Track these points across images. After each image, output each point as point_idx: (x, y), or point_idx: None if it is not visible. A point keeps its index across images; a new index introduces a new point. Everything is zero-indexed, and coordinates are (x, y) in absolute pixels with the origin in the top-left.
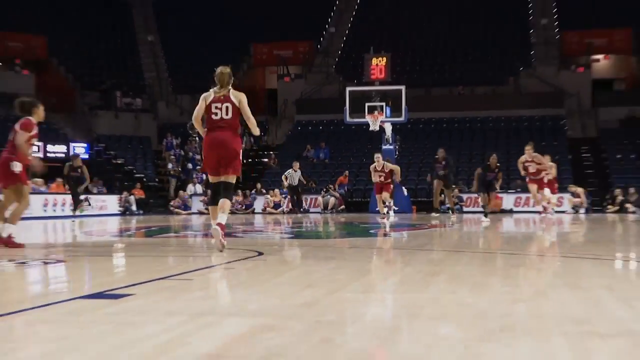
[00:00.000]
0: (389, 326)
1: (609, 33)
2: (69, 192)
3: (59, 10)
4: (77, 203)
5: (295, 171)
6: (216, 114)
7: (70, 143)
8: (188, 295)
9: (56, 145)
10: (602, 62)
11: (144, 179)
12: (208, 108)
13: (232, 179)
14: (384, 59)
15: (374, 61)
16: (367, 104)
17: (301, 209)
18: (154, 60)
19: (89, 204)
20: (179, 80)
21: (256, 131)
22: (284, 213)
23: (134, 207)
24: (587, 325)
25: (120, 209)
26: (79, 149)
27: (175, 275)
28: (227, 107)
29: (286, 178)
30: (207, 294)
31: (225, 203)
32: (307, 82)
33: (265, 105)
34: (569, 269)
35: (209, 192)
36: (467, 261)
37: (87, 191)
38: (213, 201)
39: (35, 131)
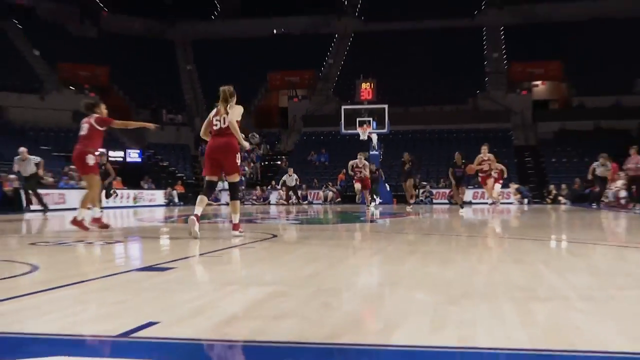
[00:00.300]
0: (375, 292)
1: (545, 64)
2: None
3: (118, 46)
4: (107, 195)
5: (290, 175)
6: (216, 125)
7: (127, 150)
8: (217, 269)
9: (116, 151)
10: (540, 87)
11: (184, 178)
12: (210, 122)
13: (234, 178)
14: (371, 83)
15: (364, 85)
16: (358, 119)
17: (304, 202)
18: (192, 85)
19: (116, 194)
20: (211, 101)
21: (244, 144)
22: (279, 204)
23: (176, 200)
24: (529, 292)
25: (165, 200)
26: (133, 154)
27: (207, 253)
28: (224, 119)
29: (284, 182)
30: (232, 267)
31: (233, 204)
32: (311, 102)
33: (278, 120)
34: (514, 247)
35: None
36: (435, 242)
37: (110, 186)
38: (204, 192)
39: (110, 121)
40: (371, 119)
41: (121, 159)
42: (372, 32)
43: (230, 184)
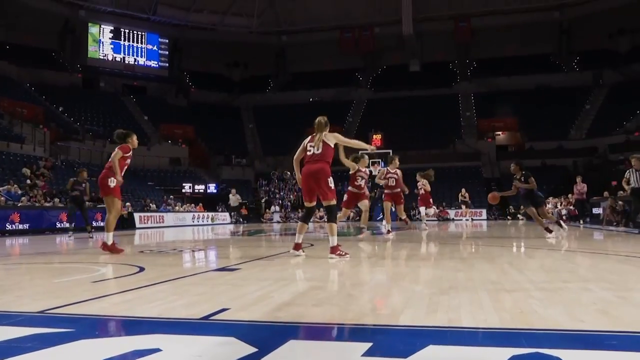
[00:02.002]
0: (385, 286)
1: (504, 120)
2: (70, 210)
3: (201, 111)
4: (87, 220)
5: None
6: (310, 151)
7: (207, 184)
8: (272, 269)
9: (198, 185)
10: (501, 136)
11: (247, 203)
12: (305, 148)
13: (330, 202)
14: (380, 135)
15: (375, 136)
16: (370, 160)
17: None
18: (253, 138)
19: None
20: (266, 149)
21: (365, 146)
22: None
23: (241, 219)
24: (498, 285)
25: (233, 220)
26: (211, 187)
27: (265, 257)
28: (318, 145)
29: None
30: (283, 268)
31: (330, 227)
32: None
33: None
34: (486, 251)
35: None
36: (428, 248)
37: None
38: (302, 219)
39: (129, 154)
40: (380, 159)
41: (203, 190)
42: (380, 99)
43: (326, 207)
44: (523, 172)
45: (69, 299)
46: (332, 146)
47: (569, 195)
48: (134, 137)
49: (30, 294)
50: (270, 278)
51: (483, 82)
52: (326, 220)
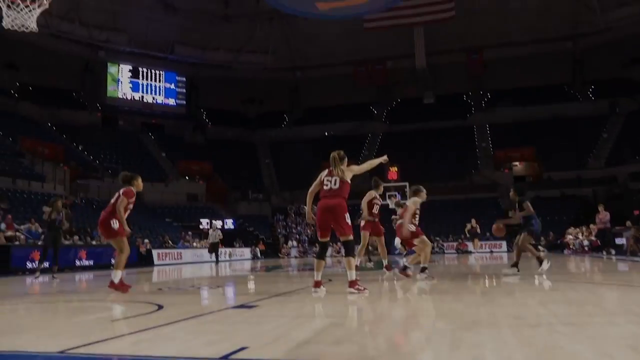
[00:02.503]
0: (406, 322)
1: (521, 150)
2: (45, 245)
3: (218, 148)
4: (55, 259)
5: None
6: (326, 185)
7: (224, 219)
8: (291, 305)
9: (216, 221)
10: (518, 166)
11: (264, 239)
12: (321, 182)
13: (347, 237)
14: (396, 168)
15: (390, 169)
16: (387, 193)
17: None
18: (269, 173)
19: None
20: (282, 183)
21: (379, 160)
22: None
23: (259, 255)
24: (521, 320)
25: (251, 255)
26: (229, 222)
27: (283, 293)
28: (335, 180)
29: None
30: (302, 304)
31: (348, 261)
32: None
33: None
34: (506, 284)
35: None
36: (448, 282)
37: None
38: (319, 255)
39: (133, 199)
40: (396, 192)
41: (220, 226)
42: (395, 132)
43: (344, 242)
44: (518, 199)
45: (89, 338)
46: (349, 182)
47: (591, 226)
48: (139, 180)
49: (50, 333)
50: (289, 315)
51: (498, 112)
52: (344, 254)
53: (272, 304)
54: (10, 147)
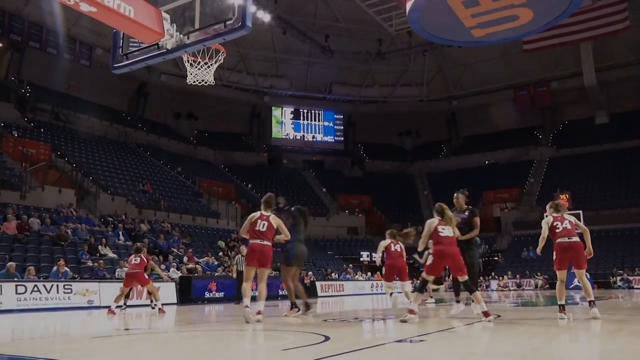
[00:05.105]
0: None
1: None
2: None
3: (376, 181)
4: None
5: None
6: (442, 232)
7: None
8: (458, 342)
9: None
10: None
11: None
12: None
13: (465, 277)
14: (566, 195)
15: (561, 196)
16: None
17: (519, 288)
18: (427, 204)
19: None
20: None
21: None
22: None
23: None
24: None
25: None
26: None
27: (447, 328)
28: (453, 227)
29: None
30: (470, 341)
31: (475, 297)
32: (519, 211)
33: (493, 226)
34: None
35: None
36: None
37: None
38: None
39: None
40: None
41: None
42: (564, 156)
43: (463, 283)
44: None
45: None
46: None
47: None
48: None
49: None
50: (458, 352)
51: None
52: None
53: (437, 340)
54: (191, 188)
